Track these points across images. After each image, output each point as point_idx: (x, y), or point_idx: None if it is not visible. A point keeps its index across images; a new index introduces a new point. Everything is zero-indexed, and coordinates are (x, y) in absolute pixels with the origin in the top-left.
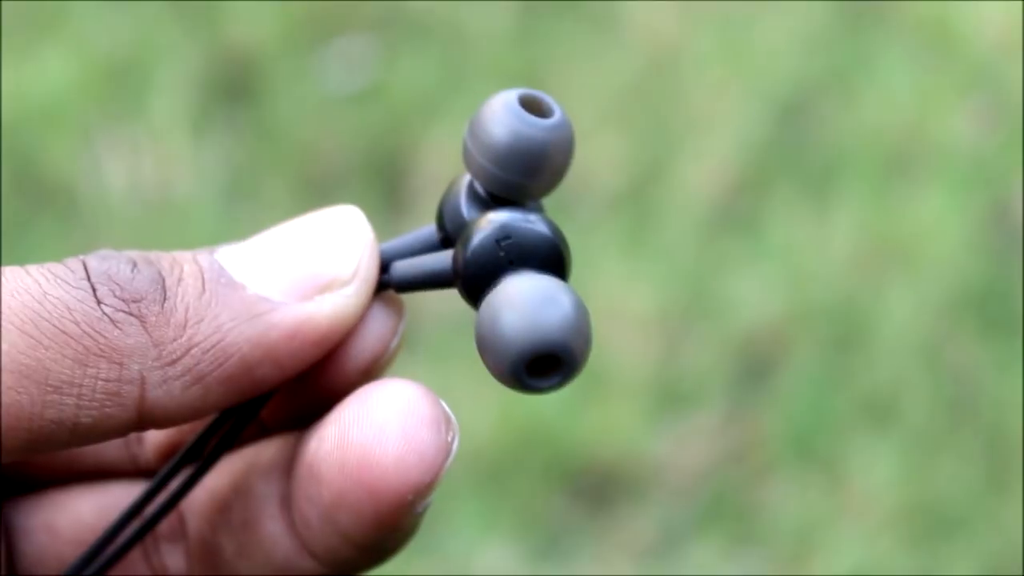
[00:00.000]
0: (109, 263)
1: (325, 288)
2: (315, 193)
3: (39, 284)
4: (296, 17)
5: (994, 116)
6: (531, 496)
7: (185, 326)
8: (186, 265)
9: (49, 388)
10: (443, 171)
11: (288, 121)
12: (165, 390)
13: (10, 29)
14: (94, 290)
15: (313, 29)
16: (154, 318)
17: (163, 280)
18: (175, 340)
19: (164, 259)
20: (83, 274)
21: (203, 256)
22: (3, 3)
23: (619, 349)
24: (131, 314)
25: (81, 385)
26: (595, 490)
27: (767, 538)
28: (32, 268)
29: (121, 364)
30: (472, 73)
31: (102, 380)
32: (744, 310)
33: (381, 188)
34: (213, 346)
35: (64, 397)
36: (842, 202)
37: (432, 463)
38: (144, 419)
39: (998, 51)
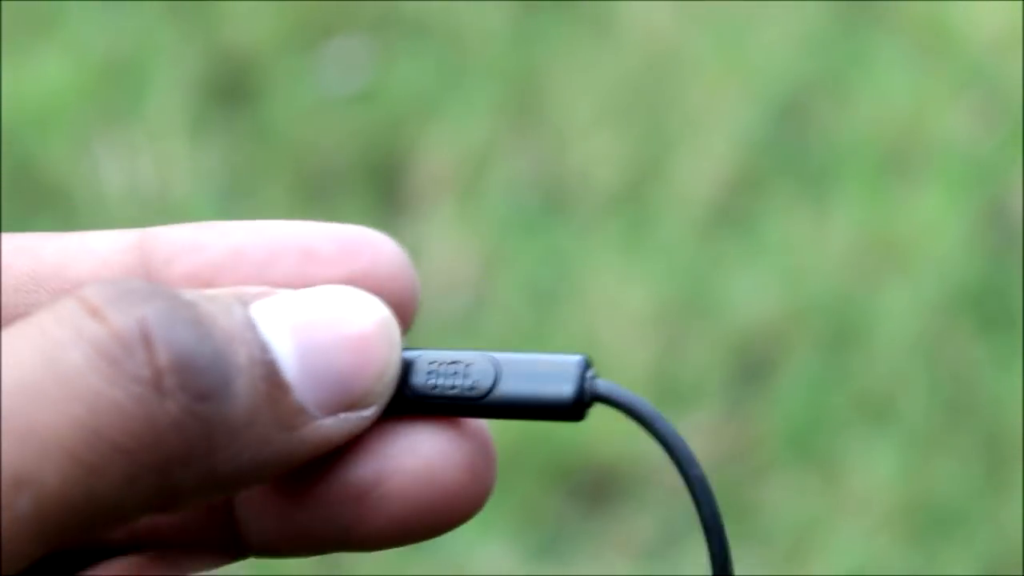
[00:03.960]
0: (174, 329)
1: (351, 406)
2: (313, 194)
3: (94, 378)
4: (293, 18)
5: (991, 114)
6: (529, 495)
7: (234, 433)
8: (241, 348)
9: (90, 516)
10: (440, 171)
11: (285, 122)
12: (190, 498)
13: (8, 31)
14: (159, 380)
15: (310, 30)
16: (217, 422)
17: (226, 367)
18: (225, 450)
19: (216, 329)
20: (144, 356)
21: (250, 333)
22: (2, 5)
23: (616, 348)
24: (196, 415)
25: (121, 505)
26: (593, 489)
27: (765, 537)
28: (80, 343)
29: (168, 474)
30: (469, 74)
31: (142, 495)
32: (741, 309)
33: (378, 189)
34: (252, 460)
35: (100, 520)
36: (839, 201)
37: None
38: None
39: (994, 50)
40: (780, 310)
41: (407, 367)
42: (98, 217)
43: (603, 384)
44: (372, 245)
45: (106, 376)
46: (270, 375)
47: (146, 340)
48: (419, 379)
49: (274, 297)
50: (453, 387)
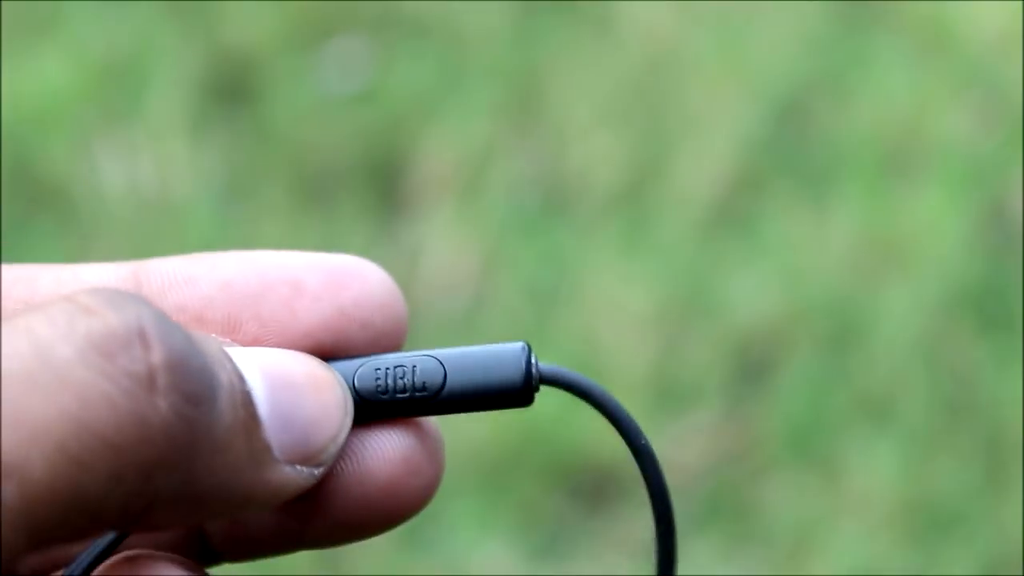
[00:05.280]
0: (170, 331)
1: (307, 459)
2: (313, 194)
3: (84, 372)
4: (293, 18)
5: (991, 114)
6: (530, 495)
7: (215, 449)
8: (222, 370)
9: (76, 512)
10: (440, 171)
11: (286, 122)
12: (165, 512)
13: (8, 31)
14: (153, 378)
15: (310, 30)
16: (202, 431)
17: (213, 379)
18: (205, 464)
19: (202, 344)
20: (140, 352)
21: (228, 361)
22: (2, 5)
23: (617, 348)
24: (184, 418)
25: (104, 506)
26: (593, 489)
27: (765, 537)
28: (74, 337)
29: (149, 478)
30: (469, 73)
31: (124, 497)
32: (741, 309)
33: (378, 188)
34: (224, 484)
35: (84, 518)
36: (839, 201)
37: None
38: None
39: (994, 50)
40: (780, 310)
41: (353, 375)
42: (98, 217)
43: (547, 367)
44: (359, 276)
45: (98, 369)
46: (247, 403)
47: (143, 337)
48: (368, 385)
49: (237, 347)
50: (403, 389)
